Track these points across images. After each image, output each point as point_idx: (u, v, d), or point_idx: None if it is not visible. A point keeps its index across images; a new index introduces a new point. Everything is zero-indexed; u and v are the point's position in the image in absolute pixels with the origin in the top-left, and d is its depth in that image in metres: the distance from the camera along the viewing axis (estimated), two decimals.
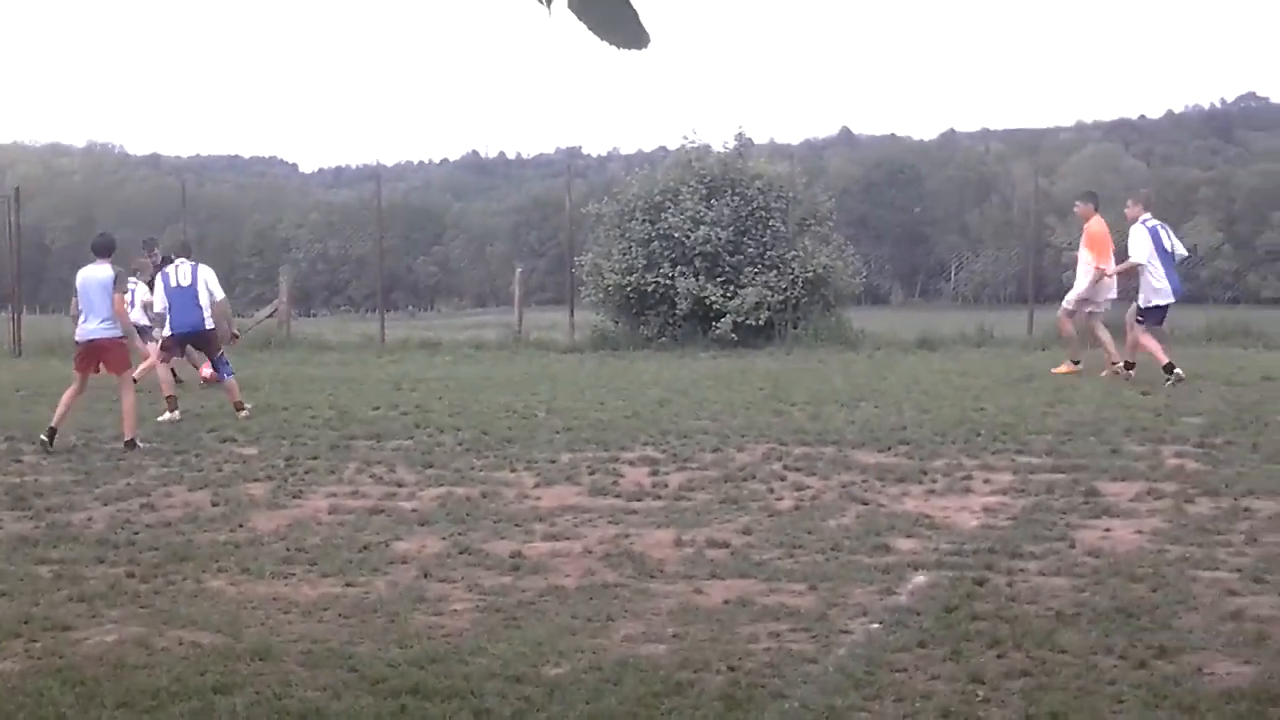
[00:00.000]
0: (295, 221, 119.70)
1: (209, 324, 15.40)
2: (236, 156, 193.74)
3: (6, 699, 5.68)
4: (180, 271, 15.44)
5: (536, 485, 10.47)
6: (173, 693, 5.74)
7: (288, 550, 8.43)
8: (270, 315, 28.07)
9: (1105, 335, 16.97)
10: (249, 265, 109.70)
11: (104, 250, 13.38)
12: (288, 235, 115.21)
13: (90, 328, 13.07)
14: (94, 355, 13.12)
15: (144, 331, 17.04)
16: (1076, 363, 17.15)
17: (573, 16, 3.29)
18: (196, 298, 15.30)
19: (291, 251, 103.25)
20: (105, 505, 10.00)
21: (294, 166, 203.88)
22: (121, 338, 13.26)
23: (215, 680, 5.88)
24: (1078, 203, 17.98)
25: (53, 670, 6.07)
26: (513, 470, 11.10)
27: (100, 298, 13.02)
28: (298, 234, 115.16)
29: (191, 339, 15.71)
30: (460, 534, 8.78)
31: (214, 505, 9.87)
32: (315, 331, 29.40)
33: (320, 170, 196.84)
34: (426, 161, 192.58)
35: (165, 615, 6.99)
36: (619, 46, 3.35)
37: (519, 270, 31.79)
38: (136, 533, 9.00)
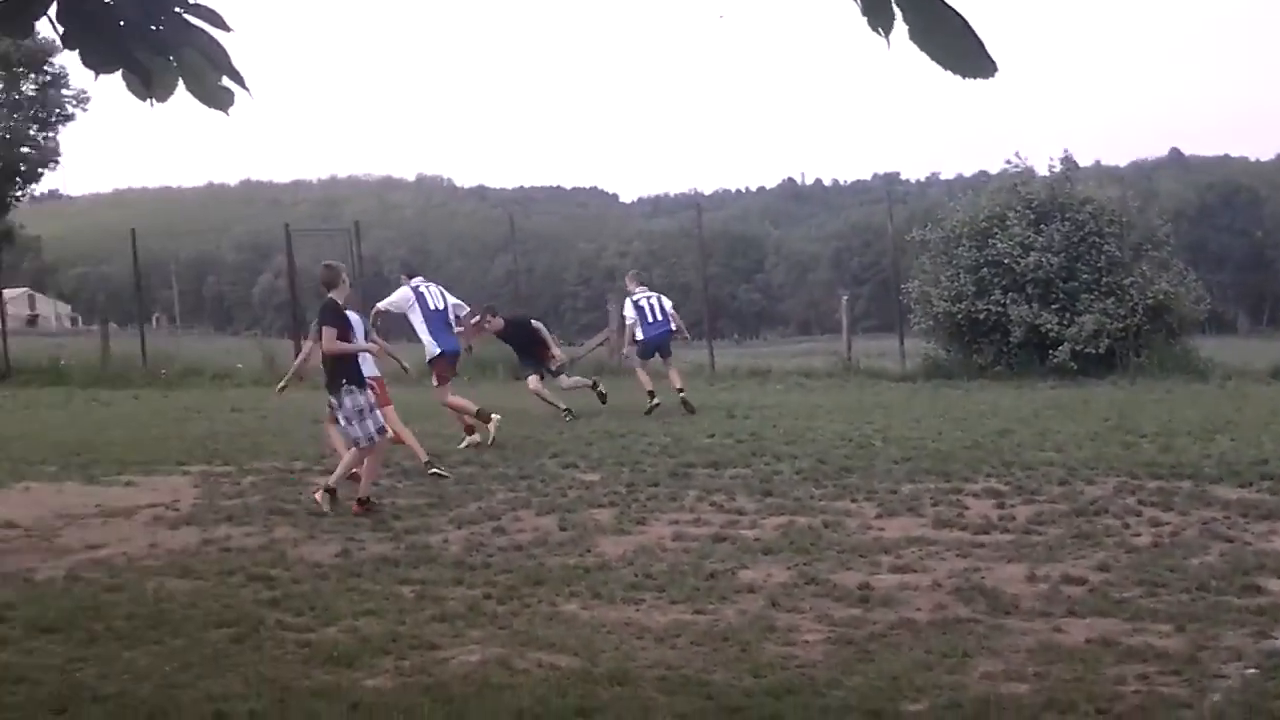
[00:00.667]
0: (618, 250, 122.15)
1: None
2: (559, 187, 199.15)
3: (381, 714, 5.91)
4: (432, 292, 15.74)
5: (879, 516, 10.36)
6: (536, 714, 5.88)
7: (636, 576, 8.55)
8: (601, 344, 28.62)
9: None
10: (575, 294, 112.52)
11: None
12: (611, 264, 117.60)
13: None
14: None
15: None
16: None
17: (914, 47, 3.23)
18: (449, 320, 15.81)
19: (616, 280, 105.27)
20: (459, 528, 10.35)
21: (614, 196, 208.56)
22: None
23: (576, 703, 5.99)
24: None
25: (422, 688, 6.30)
26: (853, 500, 11.01)
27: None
28: (621, 263, 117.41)
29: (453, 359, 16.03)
30: (805, 564, 8.75)
31: (562, 530, 10.11)
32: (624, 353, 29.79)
33: (640, 199, 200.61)
34: (744, 189, 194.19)
35: (523, 637, 7.18)
36: (963, 76, 3.27)
37: (845, 297, 31.62)
38: (491, 555, 9.28)
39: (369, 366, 13.05)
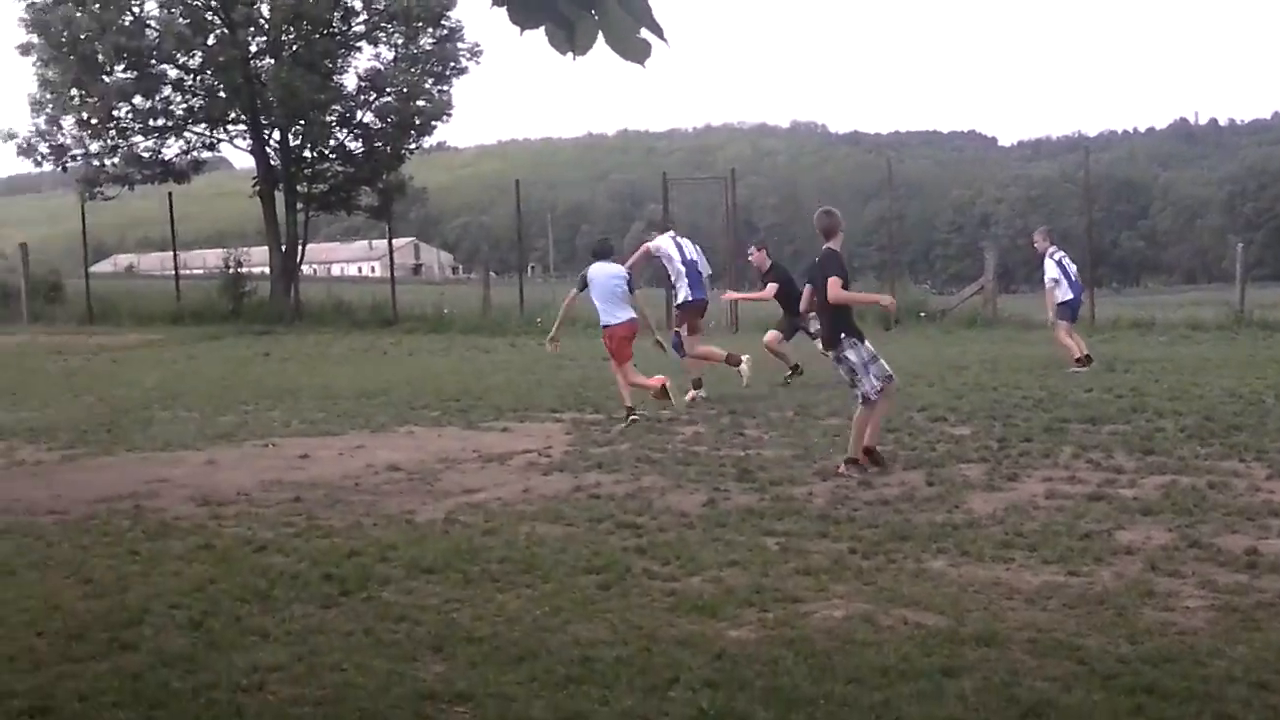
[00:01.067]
0: (994, 196, 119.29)
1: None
2: (934, 131, 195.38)
3: (744, 665, 5.91)
4: (687, 246, 15.90)
5: (1269, 477, 9.77)
6: (900, 672, 5.77)
7: (1005, 534, 8.30)
8: (977, 293, 28.04)
9: None
10: (947, 241, 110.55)
11: (605, 254, 14.48)
12: (986, 210, 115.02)
13: (621, 315, 14.03)
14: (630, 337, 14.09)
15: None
16: None
17: None
18: (700, 272, 15.88)
19: (990, 227, 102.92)
20: (824, 481, 10.28)
21: (992, 140, 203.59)
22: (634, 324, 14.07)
23: (942, 663, 5.85)
24: None
25: (785, 641, 6.26)
26: (1241, 460, 10.42)
27: (616, 292, 14.05)
28: (997, 209, 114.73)
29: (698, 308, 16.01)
30: (1188, 526, 8.32)
31: (929, 485, 9.91)
32: (1020, 309, 29.03)
33: (1019, 143, 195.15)
34: (1131, 130, 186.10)
35: (888, 594, 7.06)
36: None
37: (1239, 245, 29.90)
38: (856, 510, 9.18)
39: (623, 311, 13.82)
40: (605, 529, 8.80)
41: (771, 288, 16.59)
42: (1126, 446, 11.16)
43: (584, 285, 14.14)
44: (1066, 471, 10.25)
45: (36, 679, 5.97)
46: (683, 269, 15.64)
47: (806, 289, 12.28)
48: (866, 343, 10.82)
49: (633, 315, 14.00)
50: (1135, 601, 6.74)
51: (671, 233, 16.25)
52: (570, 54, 3.86)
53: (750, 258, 17.28)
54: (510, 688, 5.72)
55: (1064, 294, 17.67)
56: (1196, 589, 6.98)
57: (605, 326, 14.01)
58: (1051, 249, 17.92)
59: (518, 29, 3.80)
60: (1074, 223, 64.39)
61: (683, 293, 15.67)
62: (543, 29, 3.83)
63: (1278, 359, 17.85)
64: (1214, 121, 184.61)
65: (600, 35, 3.83)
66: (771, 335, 16.94)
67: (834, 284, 10.74)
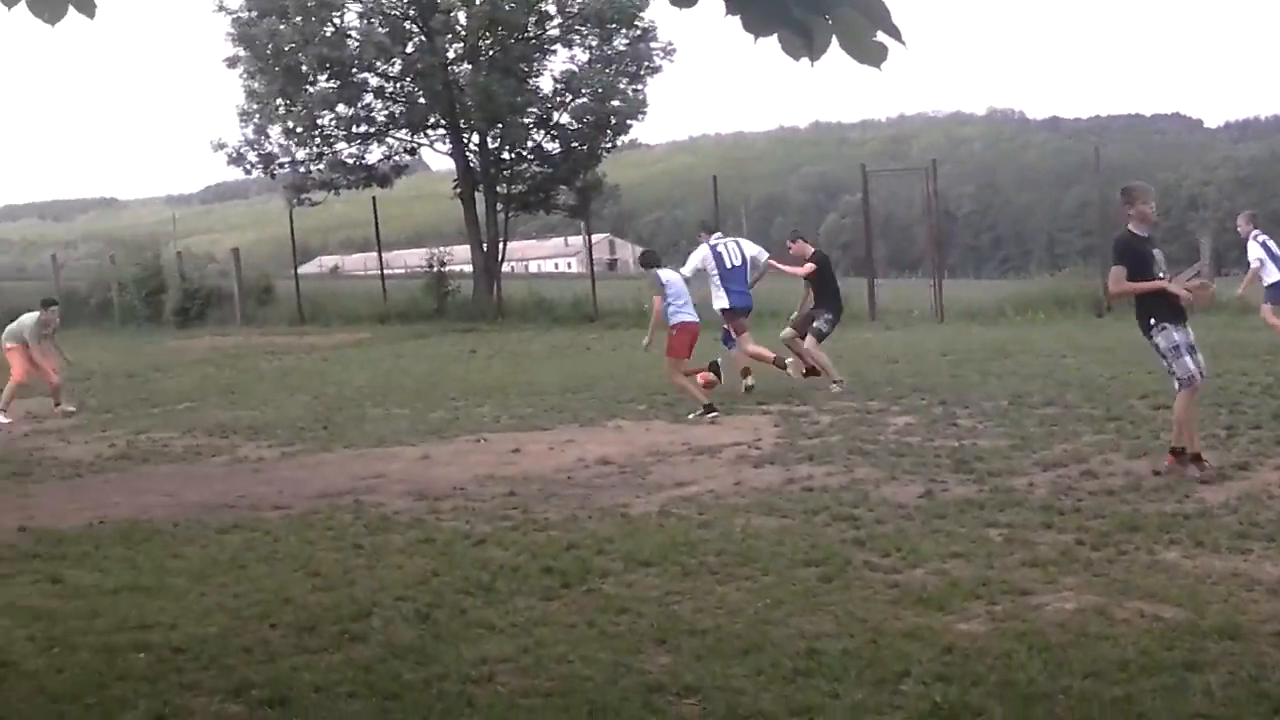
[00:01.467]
0: (1201, 178, 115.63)
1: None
2: (1137, 115, 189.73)
3: (975, 659, 5.77)
4: (730, 250, 15.73)
5: None
6: (1140, 666, 5.59)
7: (1241, 524, 7.99)
8: (1192, 278, 27.12)
9: None
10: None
11: (652, 263, 14.97)
12: (1193, 193, 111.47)
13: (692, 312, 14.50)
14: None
15: None
16: None
17: None
18: (746, 275, 15.79)
19: (1200, 210, 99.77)
20: (1045, 471, 10.01)
21: (1198, 122, 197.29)
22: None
23: (1184, 656, 5.67)
24: None
25: (1016, 634, 6.11)
26: None
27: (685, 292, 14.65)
28: (1204, 191, 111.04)
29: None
30: None
31: (1156, 474, 9.59)
32: (1235, 292, 27.98)
33: (1226, 124, 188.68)
34: None
35: (1121, 585, 6.84)
36: None
37: None
38: (1080, 500, 8.92)
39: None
40: (821, 521, 8.70)
41: (809, 267, 16.23)
42: None
43: (661, 288, 14.48)
44: None
45: (273, 670, 6.11)
46: (716, 276, 15.66)
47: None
48: (1180, 331, 9.98)
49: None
50: None
51: (714, 237, 16.21)
52: (807, 59, 3.80)
53: (790, 249, 16.83)
54: (737, 680, 5.67)
55: (1270, 276, 17.25)
56: None
57: (687, 322, 14.45)
58: (1255, 232, 17.63)
59: (751, 36, 3.76)
60: None
61: (719, 300, 15.69)
62: (775, 36, 3.78)
63: None
64: None
65: (834, 39, 3.77)
66: (808, 341, 15.96)
67: (1115, 276, 10.17)
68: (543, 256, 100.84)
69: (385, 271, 37.42)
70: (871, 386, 15.11)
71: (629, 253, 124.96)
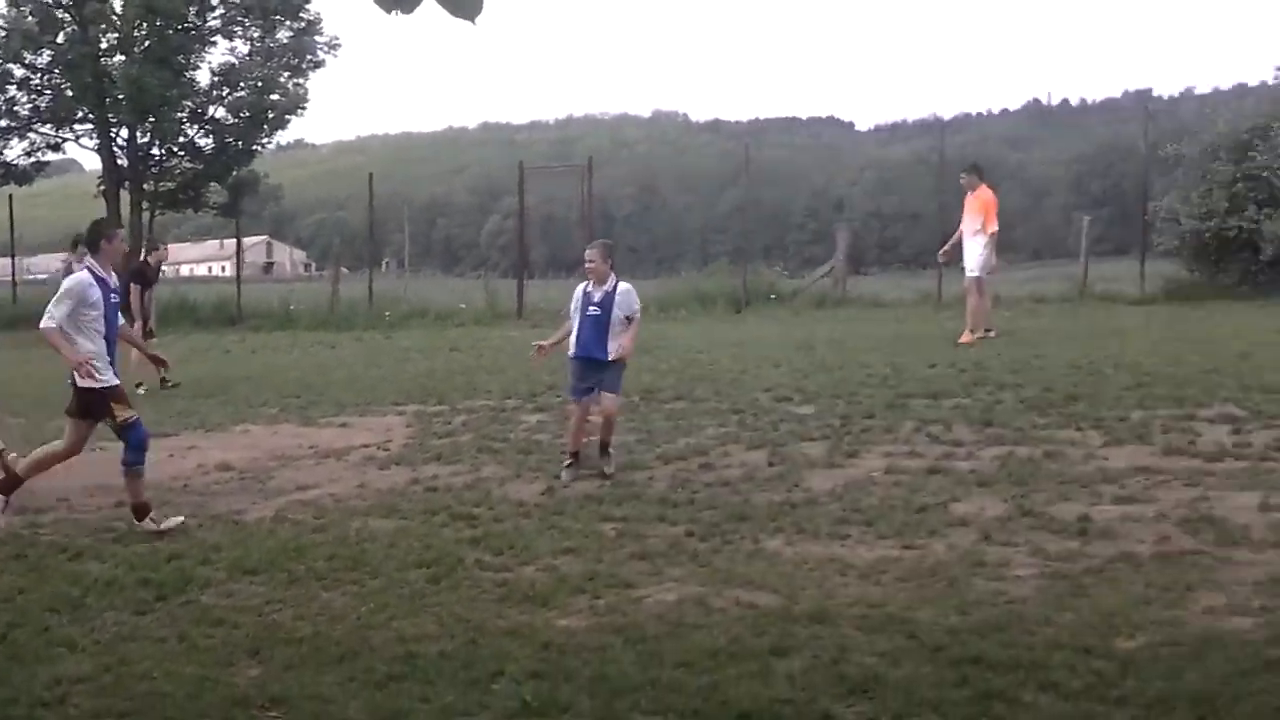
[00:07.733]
0: (849, 180, 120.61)
1: None
2: (794, 118, 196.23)
3: (571, 655, 5.77)
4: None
5: (1104, 445, 9.85)
6: (730, 653, 5.69)
7: (843, 511, 8.28)
8: (826, 274, 28.17)
9: None
10: (802, 227, 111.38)
11: None
12: (841, 194, 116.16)
13: None
14: None
15: None
16: None
17: None
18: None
19: (844, 211, 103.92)
20: (666, 464, 10.17)
21: (849, 125, 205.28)
22: None
23: (772, 642, 5.80)
24: None
25: (614, 628, 6.15)
26: (1078, 429, 10.49)
27: None
28: (851, 192, 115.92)
29: None
30: (1022, 496, 8.36)
31: (770, 465, 9.85)
32: (870, 290, 29.23)
33: (876, 127, 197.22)
34: (985, 113, 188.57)
35: (723, 575, 6.98)
36: None
37: (1086, 220, 30.26)
38: (696, 492, 9.09)
39: None
40: (440, 521, 8.61)
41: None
42: (967, 419, 11.17)
43: None
44: (906, 446, 10.24)
45: None
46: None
47: None
48: None
49: None
50: (967, 572, 6.74)
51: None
52: (394, 11, 3.64)
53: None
54: (328, 689, 5.52)
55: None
56: (1028, 557, 7.00)
57: None
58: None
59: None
60: (924, 205, 65.08)
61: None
62: None
63: (1118, 329, 18.09)
64: (1065, 102, 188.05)
65: None
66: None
67: None
68: (196, 260, 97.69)
69: (27, 276, 35.56)
70: (509, 385, 15.04)
71: (287, 255, 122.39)
